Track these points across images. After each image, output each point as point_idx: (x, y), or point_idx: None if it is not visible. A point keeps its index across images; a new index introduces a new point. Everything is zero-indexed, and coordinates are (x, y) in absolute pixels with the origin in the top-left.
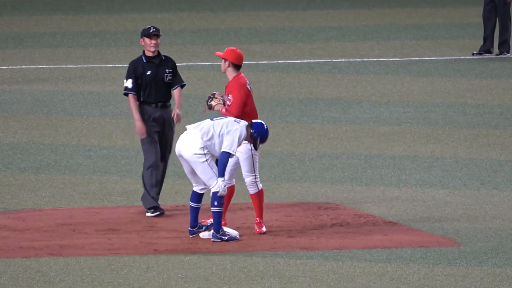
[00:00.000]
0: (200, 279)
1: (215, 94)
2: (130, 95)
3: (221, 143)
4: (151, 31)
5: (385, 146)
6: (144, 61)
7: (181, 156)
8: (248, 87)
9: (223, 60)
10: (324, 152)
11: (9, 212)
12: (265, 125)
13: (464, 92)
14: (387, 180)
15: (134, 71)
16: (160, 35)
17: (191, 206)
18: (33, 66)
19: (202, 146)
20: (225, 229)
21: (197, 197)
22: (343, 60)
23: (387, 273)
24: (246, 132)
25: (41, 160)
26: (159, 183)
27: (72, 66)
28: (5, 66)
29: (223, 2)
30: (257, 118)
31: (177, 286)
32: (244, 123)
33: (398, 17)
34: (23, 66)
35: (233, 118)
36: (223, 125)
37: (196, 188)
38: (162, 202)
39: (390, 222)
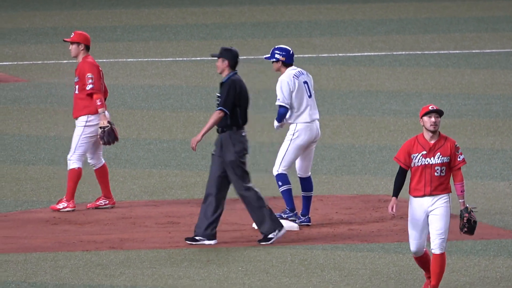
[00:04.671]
0: (260, 272)
1: (104, 129)
2: None
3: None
4: None
5: None
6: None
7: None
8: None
9: (76, 44)
10: (385, 144)
11: None
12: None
13: None
14: None
15: None
16: None
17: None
18: None
19: None
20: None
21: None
22: (403, 52)
23: (448, 265)
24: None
25: None
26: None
27: (132, 59)
28: (65, 60)
29: None
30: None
31: (237, 279)
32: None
33: (459, 9)
34: None
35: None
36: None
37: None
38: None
39: (450, 214)
